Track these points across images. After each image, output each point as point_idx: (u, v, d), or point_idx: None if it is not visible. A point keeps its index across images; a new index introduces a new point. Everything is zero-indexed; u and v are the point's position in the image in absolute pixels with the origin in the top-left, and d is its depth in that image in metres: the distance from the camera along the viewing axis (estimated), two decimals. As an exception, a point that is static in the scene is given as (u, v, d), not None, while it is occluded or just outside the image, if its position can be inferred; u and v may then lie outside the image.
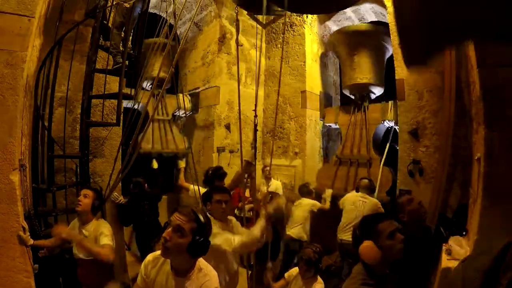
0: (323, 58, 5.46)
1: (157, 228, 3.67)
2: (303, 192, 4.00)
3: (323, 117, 5.24)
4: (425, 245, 2.08)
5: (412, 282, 1.86)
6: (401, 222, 2.05)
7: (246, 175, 2.64)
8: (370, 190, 3.51)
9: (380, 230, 1.33)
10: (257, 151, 5.16)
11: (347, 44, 4.54)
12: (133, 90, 3.27)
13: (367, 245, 1.31)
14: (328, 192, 4.01)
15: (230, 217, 2.18)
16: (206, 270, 1.40)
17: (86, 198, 2.19)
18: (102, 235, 2.11)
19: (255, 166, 2.48)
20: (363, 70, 4.37)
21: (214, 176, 3.24)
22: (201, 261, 1.43)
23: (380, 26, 4.47)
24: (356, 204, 3.40)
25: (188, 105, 5.17)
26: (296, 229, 3.72)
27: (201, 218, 1.35)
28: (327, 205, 3.91)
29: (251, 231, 1.98)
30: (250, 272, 2.54)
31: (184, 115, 5.09)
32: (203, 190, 2.60)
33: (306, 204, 3.86)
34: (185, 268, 1.37)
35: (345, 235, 3.32)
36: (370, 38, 4.39)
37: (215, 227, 1.92)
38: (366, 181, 3.52)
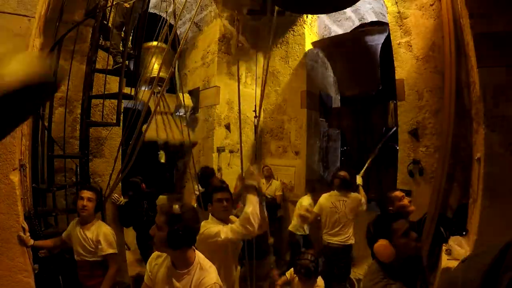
0: (323, 58, 5.45)
1: None
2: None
3: (323, 117, 5.22)
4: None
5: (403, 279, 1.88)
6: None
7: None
8: (346, 186, 3.30)
9: (395, 229, 1.36)
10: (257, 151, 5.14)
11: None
12: (133, 90, 3.27)
13: (382, 244, 1.33)
14: None
15: (232, 217, 2.14)
16: (205, 265, 1.43)
17: (90, 202, 2.22)
18: (104, 242, 2.15)
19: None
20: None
21: (203, 178, 3.25)
22: (200, 256, 1.46)
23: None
24: (336, 204, 3.24)
25: (188, 102, 5.12)
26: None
27: (175, 208, 1.35)
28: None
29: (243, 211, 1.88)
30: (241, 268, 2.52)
31: (185, 114, 5.05)
32: None
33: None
34: (183, 262, 1.40)
35: (332, 238, 3.22)
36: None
37: (218, 227, 1.91)
38: (337, 180, 3.32)
